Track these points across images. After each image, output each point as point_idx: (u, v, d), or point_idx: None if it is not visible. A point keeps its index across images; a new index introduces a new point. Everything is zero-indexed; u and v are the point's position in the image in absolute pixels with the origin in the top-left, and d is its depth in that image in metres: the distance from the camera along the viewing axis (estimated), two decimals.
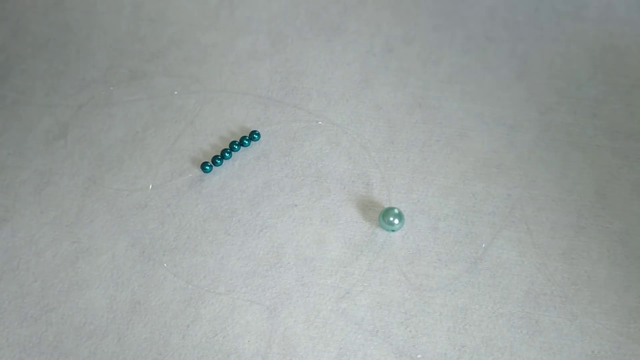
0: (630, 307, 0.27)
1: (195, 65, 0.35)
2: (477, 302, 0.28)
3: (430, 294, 0.28)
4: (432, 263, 0.29)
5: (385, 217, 0.29)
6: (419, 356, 0.26)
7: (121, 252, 0.29)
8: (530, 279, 0.28)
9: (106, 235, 0.30)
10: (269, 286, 0.28)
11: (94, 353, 0.27)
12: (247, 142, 0.31)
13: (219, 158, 0.31)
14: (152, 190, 0.31)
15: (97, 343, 0.27)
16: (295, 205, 0.30)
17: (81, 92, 0.34)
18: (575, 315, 0.27)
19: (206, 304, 0.28)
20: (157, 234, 0.30)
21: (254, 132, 0.32)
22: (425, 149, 0.32)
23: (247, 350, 0.27)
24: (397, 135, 0.32)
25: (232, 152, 0.31)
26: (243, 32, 0.36)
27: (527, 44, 0.35)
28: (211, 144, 0.32)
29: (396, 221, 0.29)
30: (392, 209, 0.29)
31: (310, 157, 0.32)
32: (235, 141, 0.31)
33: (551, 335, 0.27)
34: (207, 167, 0.31)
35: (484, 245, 0.29)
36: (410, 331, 0.27)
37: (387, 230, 0.29)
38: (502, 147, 0.32)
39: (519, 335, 0.27)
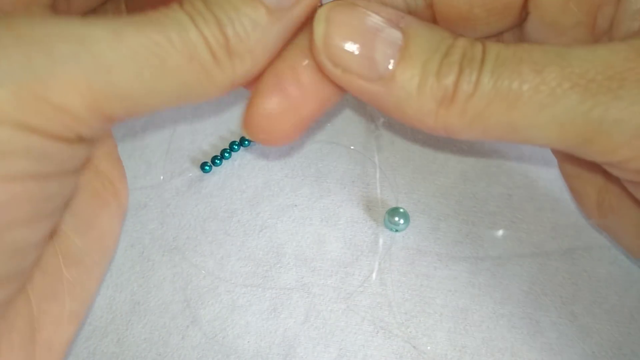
0: (630, 307, 0.27)
1: None
2: (478, 302, 0.28)
3: (430, 294, 0.28)
4: (432, 263, 0.29)
5: (390, 216, 0.29)
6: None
7: (121, 252, 0.29)
8: (530, 279, 0.28)
9: None
10: (269, 286, 0.28)
11: (93, 353, 0.27)
12: (247, 142, 0.31)
13: (219, 158, 0.31)
14: (152, 190, 0.31)
15: (96, 343, 0.27)
16: (295, 205, 0.30)
17: None
18: (575, 316, 0.27)
19: (206, 304, 0.28)
20: (157, 234, 0.30)
21: None
22: (425, 149, 0.32)
23: (247, 350, 0.27)
24: (397, 135, 0.32)
25: (232, 152, 0.31)
26: None
27: None
28: (211, 144, 0.32)
29: (401, 221, 0.29)
30: (397, 208, 0.29)
31: (310, 157, 0.32)
32: (235, 141, 0.31)
33: (552, 336, 0.27)
34: (207, 167, 0.31)
35: (485, 246, 0.29)
36: (410, 331, 0.27)
37: (392, 230, 0.29)
38: (502, 147, 0.32)
39: (519, 336, 0.27)
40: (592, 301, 0.28)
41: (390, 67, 0.17)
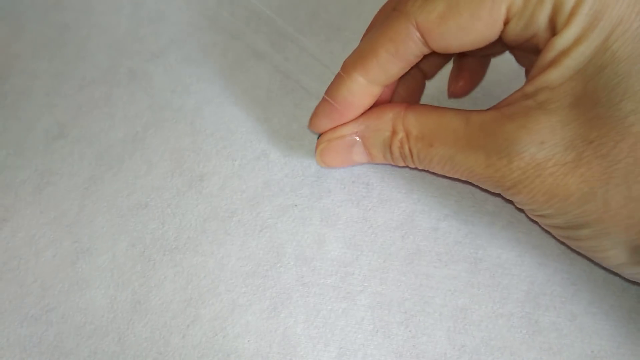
0: (630, 307, 0.27)
1: (195, 65, 0.35)
2: (477, 302, 0.28)
3: (430, 294, 0.28)
4: (432, 263, 0.29)
5: None
6: None
7: (121, 252, 0.29)
8: (530, 279, 0.28)
9: (106, 235, 0.30)
10: (269, 286, 0.28)
11: (94, 353, 0.27)
12: None
13: None
14: (153, 190, 0.31)
15: (97, 343, 0.27)
16: (295, 205, 0.30)
17: (81, 92, 0.34)
18: (575, 315, 0.27)
19: (206, 304, 0.28)
20: (157, 234, 0.30)
21: None
22: None
23: (247, 350, 0.27)
24: None
25: None
26: (243, 32, 0.36)
27: None
28: (211, 144, 0.32)
29: None
30: None
31: (310, 157, 0.32)
32: None
33: (551, 336, 0.27)
34: None
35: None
36: (410, 331, 0.27)
37: None
38: None
39: (518, 335, 0.27)
40: (591, 301, 0.28)
41: (364, 160, 0.29)
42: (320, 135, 0.29)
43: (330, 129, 0.28)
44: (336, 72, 0.27)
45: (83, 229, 0.30)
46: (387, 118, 0.27)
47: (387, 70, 0.25)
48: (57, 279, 0.29)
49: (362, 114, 0.28)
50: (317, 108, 0.28)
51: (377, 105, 0.28)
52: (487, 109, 0.25)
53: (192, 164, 0.32)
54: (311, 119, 0.28)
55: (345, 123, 0.28)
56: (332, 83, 0.27)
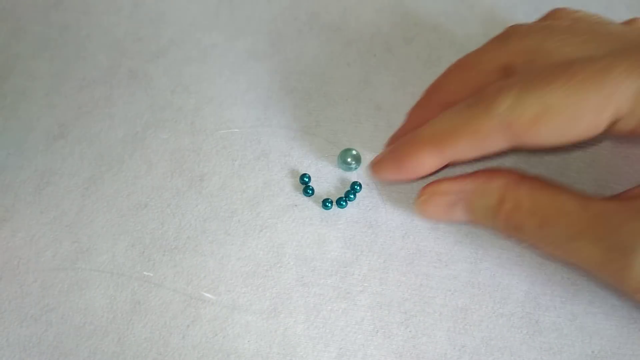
0: (629, 307, 0.27)
1: (195, 65, 0.35)
2: (477, 302, 0.28)
3: (430, 294, 0.28)
4: (432, 263, 0.29)
5: (343, 157, 0.31)
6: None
7: (121, 252, 0.29)
8: (530, 279, 0.28)
9: (106, 235, 0.30)
10: (269, 286, 0.28)
11: (94, 353, 0.27)
12: (353, 197, 0.30)
13: (344, 200, 0.30)
14: (153, 190, 0.31)
15: (97, 343, 0.27)
16: (295, 205, 0.30)
17: (81, 92, 0.34)
18: (575, 316, 0.27)
19: (206, 304, 0.28)
20: (157, 234, 0.30)
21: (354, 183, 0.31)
22: None
23: (247, 350, 0.27)
24: None
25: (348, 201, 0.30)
26: (243, 32, 0.36)
27: None
28: (211, 144, 0.32)
29: (353, 163, 0.31)
30: (350, 150, 0.31)
31: (310, 157, 0.32)
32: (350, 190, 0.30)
33: (551, 336, 0.27)
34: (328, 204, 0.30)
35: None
36: (410, 331, 0.27)
37: (345, 170, 0.31)
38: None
39: (519, 336, 0.27)
40: (591, 301, 0.28)
41: (464, 220, 0.28)
42: (424, 186, 0.28)
43: (435, 182, 0.27)
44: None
45: (83, 229, 0.30)
46: (497, 185, 0.26)
47: (463, 155, 0.25)
48: (57, 279, 0.29)
49: (471, 174, 0.27)
50: (382, 160, 0.28)
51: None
52: (608, 198, 0.23)
53: (192, 164, 0.32)
54: (375, 167, 0.28)
55: (451, 178, 0.27)
56: (401, 147, 0.26)
